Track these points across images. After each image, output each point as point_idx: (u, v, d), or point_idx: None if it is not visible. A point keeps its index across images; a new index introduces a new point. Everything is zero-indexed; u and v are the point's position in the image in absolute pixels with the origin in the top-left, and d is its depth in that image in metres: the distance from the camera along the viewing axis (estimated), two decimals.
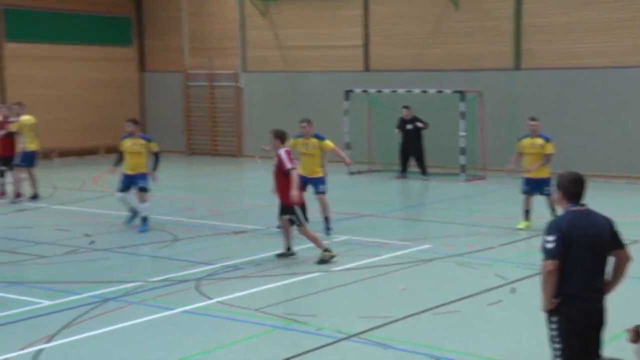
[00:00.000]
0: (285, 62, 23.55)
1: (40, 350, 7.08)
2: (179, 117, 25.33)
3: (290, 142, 11.53)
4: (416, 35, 21.43)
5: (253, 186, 19.73)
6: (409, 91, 20.01)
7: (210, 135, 25.04)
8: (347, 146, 20.57)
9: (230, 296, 8.82)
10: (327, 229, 12.36)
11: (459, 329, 7.82)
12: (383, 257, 10.83)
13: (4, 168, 15.82)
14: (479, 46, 20.46)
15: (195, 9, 24.73)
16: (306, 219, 10.53)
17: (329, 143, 12.56)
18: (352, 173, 19.86)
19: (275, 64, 23.69)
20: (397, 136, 19.33)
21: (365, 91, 20.86)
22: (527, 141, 12.76)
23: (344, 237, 12.09)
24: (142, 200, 12.76)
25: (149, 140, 13.24)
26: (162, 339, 7.49)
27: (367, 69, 22.35)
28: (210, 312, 8.29)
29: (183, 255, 10.94)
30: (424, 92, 19.88)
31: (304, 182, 11.62)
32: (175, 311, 8.29)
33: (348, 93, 20.77)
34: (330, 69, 22.69)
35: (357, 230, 12.74)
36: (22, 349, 7.10)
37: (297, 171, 10.56)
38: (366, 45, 22.27)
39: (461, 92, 19.13)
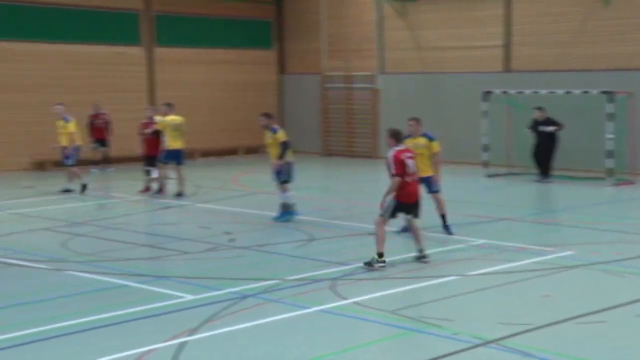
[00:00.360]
0: (422, 63, 23.35)
1: (183, 343, 7.31)
2: (316, 118, 25.66)
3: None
4: (561, 34, 20.70)
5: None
6: (552, 92, 19.34)
7: (346, 137, 25.21)
8: (485, 148, 20.15)
9: (365, 297, 8.80)
10: (446, 227, 12.18)
11: (604, 341, 7.43)
12: (522, 262, 10.49)
13: (149, 168, 16.61)
14: (630, 44, 19.49)
15: (334, 12, 24.98)
16: (393, 216, 10.33)
17: (436, 145, 12.21)
18: (490, 176, 19.42)
19: (412, 65, 23.54)
20: (530, 137, 18.71)
21: (504, 92, 20.34)
22: None
23: (480, 241, 11.82)
24: (284, 190, 13.44)
25: (274, 131, 13.57)
26: (297, 337, 7.58)
27: (507, 69, 21.80)
28: (345, 312, 8.30)
29: (319, 254, 11.04)
30: (568, 92, 19.14)
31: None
32: (310, 310, 8.36)
33: (487, 94, 20.32)
34: (468, 70, 22.30)
35: (494, 234, 12.42)
36: (167, 340, 7.36)
37: (399, 180, 10.08)
38: (507, 46, 21.71)
39: (609, 93, 18.26)
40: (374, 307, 8.44)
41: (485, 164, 20.04)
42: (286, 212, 13.41)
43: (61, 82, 21.46)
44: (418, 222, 10.51)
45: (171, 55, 23.80)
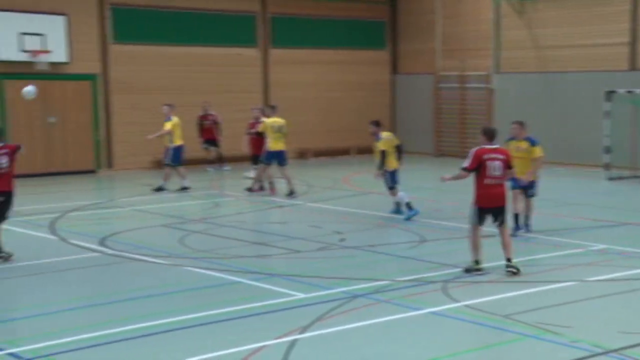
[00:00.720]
0: (541, 62, 22.69)
1: (294, 341, 7.36)
2: (429, 118, 25.40)
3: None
4: None
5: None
6: None
7: (459, 137, 24.82)
8: (607, 150, 19.35)
9: (478, 300, 8.61)
10: (519, 226, 12.13)
11: None
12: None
13: (253, 166, 16.97)
14: None
15: (449, 12, 24.66)
16: (480, 223, 9.77)
17: (537, 150, 12.17)
18: (611, 178, 18.65)
19: (530, 64, 22.92)
20: None
21: (630, 92, 19.45)
22: None
23: (602, 246, 11.34)
24: (393, 195, 13.77)
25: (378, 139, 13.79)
26: (408, 339, 7.48)
27: (633, 67, 20.85)
28: (457, 315, 8.14)
29: (430, 256, 10.88)
30: None
31: (519, 185, 11.95)
32: (422, 312, 8.25)
33: (610, 94, 19.49)
34: (590, 69, 21.48)
35: (616, 239, 11.88)
36: (278, 338, 7.43)
37: (465, 174, 9.74)
38: (633, 43, 20.77)
39: None
40: (487, 310, 8.24)
41: (607, 167, 19.24)
42: (407, 210, 13.54)
43: (180, 83, 22.15)
44: (507, 229, 9.86)
45: (285, 56, 24.12)
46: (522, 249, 11.08)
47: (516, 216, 12.16)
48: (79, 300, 9.01)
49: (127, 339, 7.46)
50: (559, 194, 16.42)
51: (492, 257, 10.66)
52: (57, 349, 7.17)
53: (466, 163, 9.65)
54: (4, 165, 10.77)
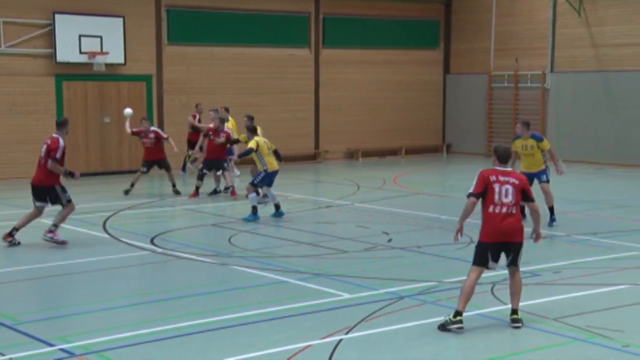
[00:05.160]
0: (598, 61, 22.25)
1: (339, 341, 7.36)
2: (481, 118, 25.12)
3: (512, 144, 12.87)
4: None
5: (556, 191, 18.88)
6: None
7: (511, 137, 24.42)
8: None
9: (528, 303, 8.45)
10: (551, 220, 12.78)
11: None
12: None
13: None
14: None
15: (505, 10, 24.37)
16: (483, 263, 7.89)
17: (546, 143, 13.13)
18: None
19: (586, 63, 22.49)
20: None
21: None
22: None
23: None
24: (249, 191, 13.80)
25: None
26: (454, 341, 7.41)
27: None
28: (505, 317, 8.02)
29: None
30: None
31: (529, 178, 12.10)
32: (469, 313, 8.13)
33: None
34: None
35: None
36: (324, 337, 7.44)
37: (472, 201, 7.92)
38: None
39: None
40: (537, 313, 8.11)
41: None
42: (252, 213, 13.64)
43: (231, 84, 22.33)
44: (517, 273, 7.91)
45: (337, 56, 24.11)
46: (573, 251, 10.88)
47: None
48: (129, 297, 9.16)
49: (175, 337, 7.55)
50: (615, 196, 16.07)
51: (540, 260, 10.49)
52: (108, 345, 7.30)
53: (471, 188, 7.93)
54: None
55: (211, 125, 16.47)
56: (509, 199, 7.76)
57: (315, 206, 15.67)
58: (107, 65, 20.16)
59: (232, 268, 10.39)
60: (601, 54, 22.16)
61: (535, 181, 12.79)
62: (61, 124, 11.77)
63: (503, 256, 7.93)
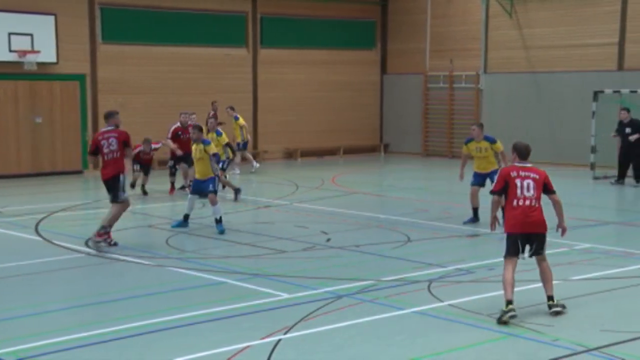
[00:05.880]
0: (529, 62, 22.79)
1: (278, 341, 7.38)
2: (417, 118, 25.46)
3: (464, 147, 13.66)
4: None
5: (488, 189, 19.23)
6: None
7: (447, 137, 24.90)
8: (593, 149, 19.46)
9: (462, 300, 8.65)
10: (473, 219, 13.12)
11: None
12: (629, 268, 10.06)
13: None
14: None
15: (440, 12, 24.74)
16: (514, 253, 8.32)
17: (499, 145, 13.36)
18: (596, 178, 18.75)
19: (518, 64, 23.02)
20: (615, 139, 17.76)
21: (617, 92, 19.55)
22: None
23: (586, 245, 11.41)
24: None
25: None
26: (393, 338, 7.51)
27: (620, 68, 20.97)
28: (441, 314, 8.18)
29: (416, 256, 10.92)
30: None
31: (482, 178, 13.14)
32: (406, 311, 8.28)
33: (597, 94, 19.59)
34: (578, 69, 21.60)
35: (601, 238, 11.98)
36: (263, 338, 7.44)
37: (495, 198, 8.53)
38: (621, 43, 20.89)
39: None
40: (471, 310, 8.28)
41: (593, 166, 19.34)
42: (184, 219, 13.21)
43: (167, 83, 22.11)
44: (544, 262, 8.38)
45: (274, 56, 24.11)
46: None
47: (475, 210, 13.00)
48: (63, 301, 9.00)
49: (113, 340, 7.45)
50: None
51: (475, 257, 10.72)
52: (41, 351, 7.15)
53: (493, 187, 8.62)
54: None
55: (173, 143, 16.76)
56: (530, 193, 8.29)
57: (254, 206, 15.65)
58: (38, 64, 19.72)
59: (169, 270, 10.31)
60: (532, 55, 22.70)
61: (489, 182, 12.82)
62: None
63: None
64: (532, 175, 8.34)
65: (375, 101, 26.34)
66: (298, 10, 24.38)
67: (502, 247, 10.94)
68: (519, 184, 8.29)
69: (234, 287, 9.40)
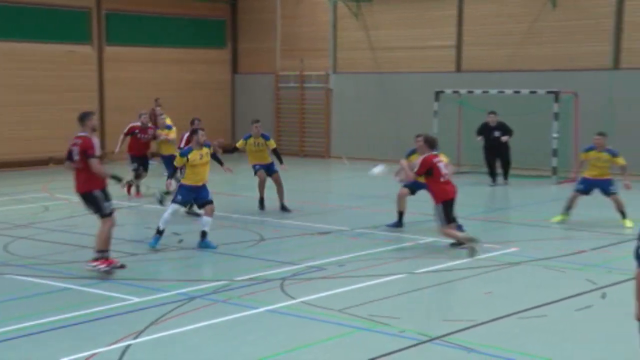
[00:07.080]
0: (375, 63, 23.48)
1: (128, 346, 7.21)
2: (269, 118, 25.60)
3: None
4: (511, 35, 21.02)
5: (339, 187, 19.72)
6: (501, 92, 19.59)
7: (299, 136, 25.21)
8: None
9: (314, 296, 8.80)
10: (396, 224, 12.90)
11: (544, 335, 7.56)
12: (468, 259, 10.61)
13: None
14: (576, 45, 19.91)
15: (289, 12, 24.98)
16: (448, 220, 11.03)
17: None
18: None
19: (365, 65, 23.66)
20: (481, 142, 18.63)
21: (456, 92, 20.54)
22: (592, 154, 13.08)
23: (429, 239, 11.92)
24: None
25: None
26: (246, 337, 7.54)
27: (458, 69, 22.03)
28: (293, 311, 8.29)
29: (268, 255, 11.01)
30: (517, 92, 19.42)
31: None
32: (259, 310, 8.33)
33: (438, 94, 20.49)
34: (421, 70, 22.49)
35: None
36: (111, 344, 7.25)
37: (415, 177, 11.41)
38: (459, 46, 21.95)
39: (555, 93, 18.59)
40: (323, 306, 8.45)
41: None
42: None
43: (8, 81, 21.02)
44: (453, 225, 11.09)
45: (122, 54, 23.49)
46: (356, 245, 11.44)
47: (400, 214, 12.83)
48: None
49: None
50: (395, 190, 17.00)
51: (325, 254, 10.93)
52: None
53: (416, 169, 11.16)
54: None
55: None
56: (446, 171, 11.20)
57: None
58: None
59: (8, 277, 9.81)
60: (378, 56, 23.42)
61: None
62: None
63: None
64: (441, 160, 11.14)
65: (227, 101, 26.27)
66: (145, 7, 23.88)
67: (351, 244, 11.22)
68: (440, 167, 10.98)
69: (80, 292, 9.09)
